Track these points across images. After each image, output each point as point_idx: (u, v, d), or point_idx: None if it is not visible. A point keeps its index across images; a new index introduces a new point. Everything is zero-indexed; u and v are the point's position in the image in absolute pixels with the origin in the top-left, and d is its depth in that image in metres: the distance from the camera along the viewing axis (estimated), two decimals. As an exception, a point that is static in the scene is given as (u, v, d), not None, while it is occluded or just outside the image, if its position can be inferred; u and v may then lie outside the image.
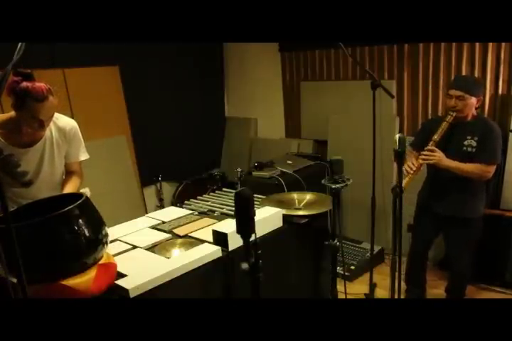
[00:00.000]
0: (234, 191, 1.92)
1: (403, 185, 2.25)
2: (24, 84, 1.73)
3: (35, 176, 1.98)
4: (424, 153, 2.36)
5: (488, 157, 2.35)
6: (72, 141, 2.05)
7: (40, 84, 1.76)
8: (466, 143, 2.40)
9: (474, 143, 2.38)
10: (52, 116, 1.87)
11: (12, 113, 1.85)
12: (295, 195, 2.27)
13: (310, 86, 4.08)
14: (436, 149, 2.35)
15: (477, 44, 3.08)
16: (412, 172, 2.33)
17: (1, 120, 1.88)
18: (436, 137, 2.37)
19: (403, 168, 2.28)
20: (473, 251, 2.60)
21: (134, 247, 1.79)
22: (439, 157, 2.33)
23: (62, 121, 2.01)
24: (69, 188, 2.01)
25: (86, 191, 1.95)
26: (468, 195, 2.46)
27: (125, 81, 3.69)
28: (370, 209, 2.33)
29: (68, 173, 2.11)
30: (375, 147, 2.24)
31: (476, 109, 2.44)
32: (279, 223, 1.95)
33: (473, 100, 2.36)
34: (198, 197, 2.45)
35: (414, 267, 2.77)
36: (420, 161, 2.36)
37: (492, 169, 2.36)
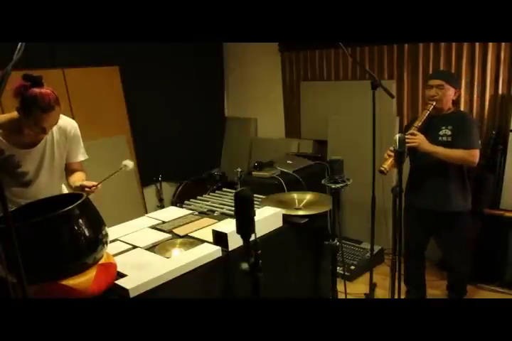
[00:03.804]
0: (234, 191, 1.92)
1: (385, 166, 2.28)
2: (33, 91, 1.71)
3: (35, 176, 1.98)
4: (406, 136, 2.37)
5: (466, 142, 2.37)
6: (72, 140, 2.06)
7: (48, 92, 1.74)
8: (441, 133, 2.44)
9: (449, 132, 2.42)
10: (56, 123, 1.86)
11: (14, 113, 1.84)
12: (295, 195, 2.27)
13: (310, 86, 4.08)
14: (417, 133, 2.38)
15: (477, 44, 3.08)
16: (393, 155, 2.33)
17: (3, 121, 1.88)
18: (417, 123, 2.41)
19: (386, 154, 2.35)
20: (468, 249, 2.60)
21: (134, 247, 1.79)
22: (421, 140, 2.36)
23: (63, 121, 2.01)
24: (76, 178, 2.02)
25: (128, 164, 2.00)
26: (446, 188, 2.47)
27: (125, 81, 3.69)
28: (370, 209, 2.33)
29: (71, 172, 2.11)
30: (375, 147, 2.24)
31: (453, 103, 2.48)
32: (279, 223, 1.95)
33: (452, 91, 2.42)
34: (198, 197, 2.45)
35: (411, 268, 2.77)
36: None
37: (476, 154, 2.36)
